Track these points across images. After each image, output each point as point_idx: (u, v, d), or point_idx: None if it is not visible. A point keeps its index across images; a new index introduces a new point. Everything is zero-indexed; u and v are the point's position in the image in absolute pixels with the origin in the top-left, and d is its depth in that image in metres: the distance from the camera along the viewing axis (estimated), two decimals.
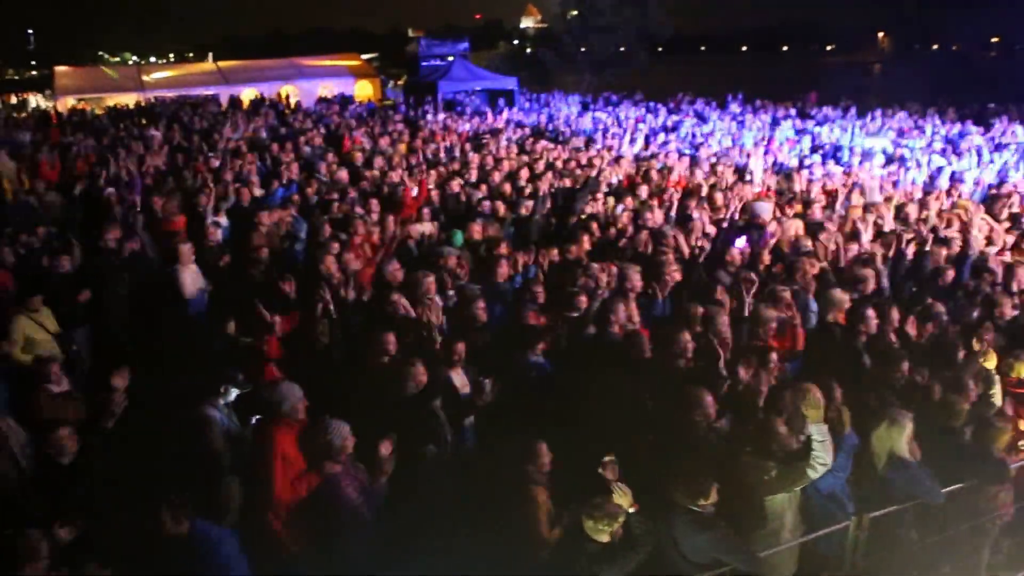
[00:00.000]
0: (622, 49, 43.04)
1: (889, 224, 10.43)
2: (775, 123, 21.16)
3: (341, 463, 5.17)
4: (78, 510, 4.81)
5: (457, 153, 16.65)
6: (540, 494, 5.12)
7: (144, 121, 21.99)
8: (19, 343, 7.55)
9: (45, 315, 7.88)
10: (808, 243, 9.26)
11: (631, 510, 4.73)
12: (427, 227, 10.31)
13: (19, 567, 4.05)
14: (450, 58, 32.73)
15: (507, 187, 12.57)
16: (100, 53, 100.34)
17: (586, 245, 9.43)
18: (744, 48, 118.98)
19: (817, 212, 11.09)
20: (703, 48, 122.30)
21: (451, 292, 8.00)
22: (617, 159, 15.56)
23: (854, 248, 9.38)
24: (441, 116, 23.90)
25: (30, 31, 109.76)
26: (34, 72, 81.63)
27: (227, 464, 5.91)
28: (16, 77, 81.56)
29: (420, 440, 5.91)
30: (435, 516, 5.73)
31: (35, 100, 36.91)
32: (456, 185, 12.65)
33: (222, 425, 6.00)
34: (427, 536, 5.52)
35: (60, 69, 34.08)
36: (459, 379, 6.49)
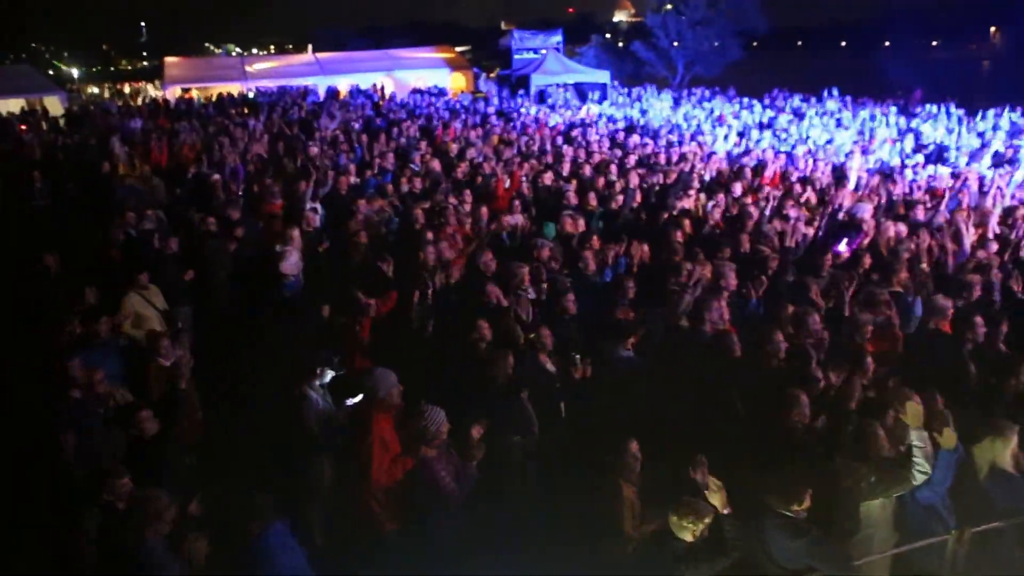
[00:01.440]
0: (716, 44, 42.21)
1: (996, 228, 9.98)
2: (875, 120, 20.42)
3: (436, 448, 5.28)
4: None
5: (549, 146, 16.66)
6: (627, 490, 5.12)
7: (247, 110, 22.68)
8: (130, 318, 7.98)
9: (154, 293, 8.30)
10: (909, 246, 8.94)
11: (724, 511, 4.68)
12: (518, 219, 10.36)
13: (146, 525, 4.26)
14: (543, 51, 32.70)
15: (599, 181, 12.52)
16: (206, 45, 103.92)
17: (679, 241, 9.33)
18: (843, 43, 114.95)
19: (920, 214, 10.69)
20: (800, 43, 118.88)
21: (543, 284, 8.04)
22: (710, 155, 15.32)
23: (959, 252, 9.02)
24: (534, 109, 23.95)
25: (142, 24, 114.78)
26: (145, 63, 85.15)
27: (321, 443, 6.11)
28: (129, 68, 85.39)
29: (508, 430, 5.99)
30: (521, 506, 5.82)
31: (150, 89, 38.47)
32: (548, 178, 12.67)
33: (317, 406, 6.20)
34: (514, 525, 5.60)
35: (169, 60, 35.31)
36: (548, 364, 6.53)
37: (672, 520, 4.56)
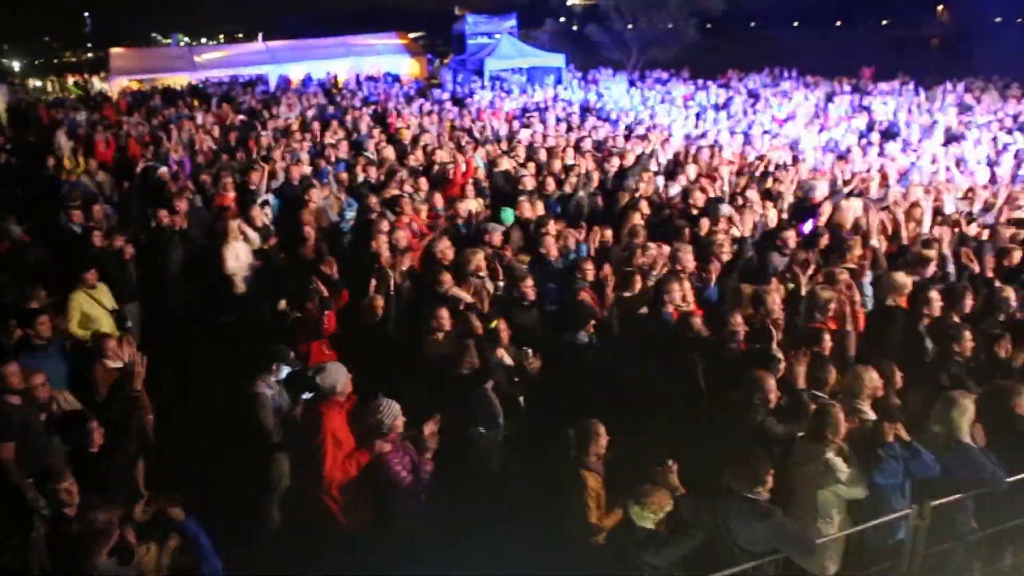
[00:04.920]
0: (670, 26, 42.27)
1: (951, 205, 10.07)
2: (829, 100, 20.59)
3: (391, 442, 5.18)
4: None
5: (504, 131, 16.52)
6: (592, 479, 5.06)
7: (196, 101, 22.20)
8: (76, 318, 7.73)
9: (101, 291, 8.05)
10: (864, 223, 8.98)
11: (678, 494, 4.64)
12: (472, 204, 10.23)
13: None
14: (497, 36, 32.45)
15: (555, 165, 12.42)
16: (153, 35, 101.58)
17: (638, 224, 9.26)
18: (796, 23, 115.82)
19: (874, 191, 10.75)
20: (753, 24, 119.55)
21: (499, 271, 7.95)
22: (666, 138, 15.28)
23: (914, 229, 9.09)
24: (489, 94, 23.76)
25: (86, 13, 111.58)
26: (90, 54, 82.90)
27: (277, 441, 5.99)
28: (74, 59, 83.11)
29: (472, 421, 5.90)
30: (487, 497, 5.74)
31: (95, 81, 37.58)
32: (504, 163, 12.54)
33: (273, 402, 6.07)
34: (479, 517, 5.52)
35: (115, 51, 34.54)
36: (506, 357, 6.46)
37: (634, 509, 4.52)
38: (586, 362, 6.72)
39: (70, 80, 39.90)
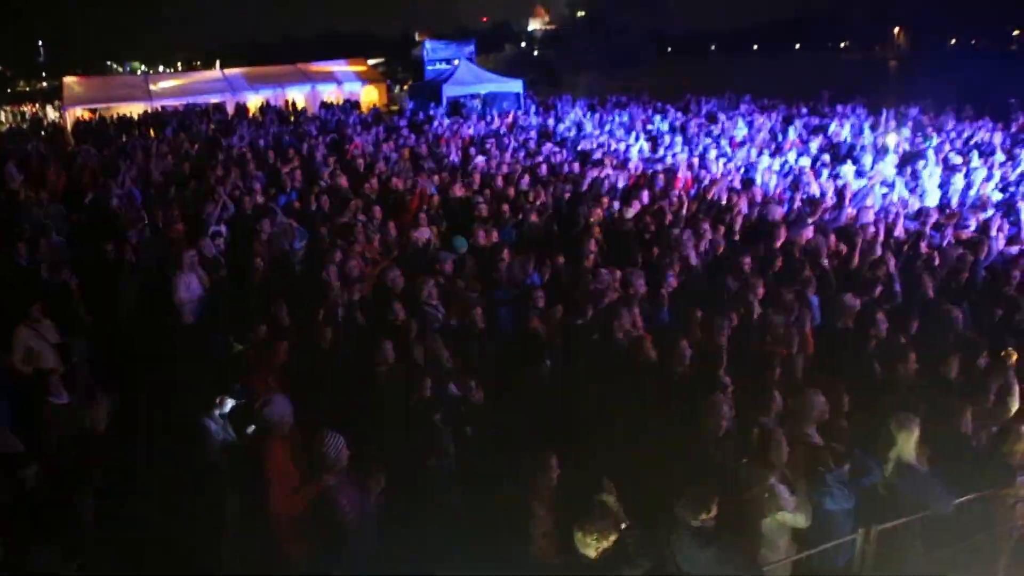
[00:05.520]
0: (629, 50, 42.88)
1: (902, 226, 10.22)
2: (787, 123, 20.91)
3: (337, 475, 5.08)
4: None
5: (459, 157, 16.54)
6: (538, 507, 4.99)
7: (151, 131, 21.98)
8: (20, 354, 7.52)
9: (46, 326, 7.84)
10: (818, 245, 9.07)
11: (623, 526, 4.58)
12: (425, 232, 10.17)
13: None
14: (456, 61, 32.65)
15: (511, 191, 12.43)
16: (108, 63, 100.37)
17: (592, 250, 9.27)
18: (756, 46, 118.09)
19: (825, 214, 10.88)
20: (714, 47, 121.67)
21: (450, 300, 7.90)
22: (624, 162, 15.39)
23: (867, 250, 9.19)
24: (446, 120, 23.82)
25: (39, 42, 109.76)
26: (44, 83, 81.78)
27: (224, 475, 5.87)
28: (27, 89, 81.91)
29: (422, 452, 5.82)
30: (438, 529, 5.65)
31: (49, 111, 37.07)
32: (458, 189, 12.53)
33: (218, 436, 5.99)
34: (429, 549, 5.43)
35: (68, 80, 34.10)
36: (452, 387, 6.40)
37: (577, 536, 4.46)
38: (538, 390, 6.66)
39: (24, 109, 39.20)
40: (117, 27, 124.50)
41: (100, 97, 31.55)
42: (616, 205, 11.80)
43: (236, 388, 6.28)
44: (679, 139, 18.92)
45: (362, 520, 5.18)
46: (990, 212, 10.68)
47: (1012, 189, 12.39)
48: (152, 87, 32.85)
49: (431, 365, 6.50)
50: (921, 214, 11.01)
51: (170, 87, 33.37)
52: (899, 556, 5.32)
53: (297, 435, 5.46)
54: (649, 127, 21.36)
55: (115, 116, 26.67)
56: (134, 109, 28.56)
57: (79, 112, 29.09)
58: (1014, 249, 9.42)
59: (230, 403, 6.18)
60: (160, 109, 27.59)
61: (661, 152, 17.28)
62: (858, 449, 5.30)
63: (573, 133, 20.90)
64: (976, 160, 14.07)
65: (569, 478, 5.23)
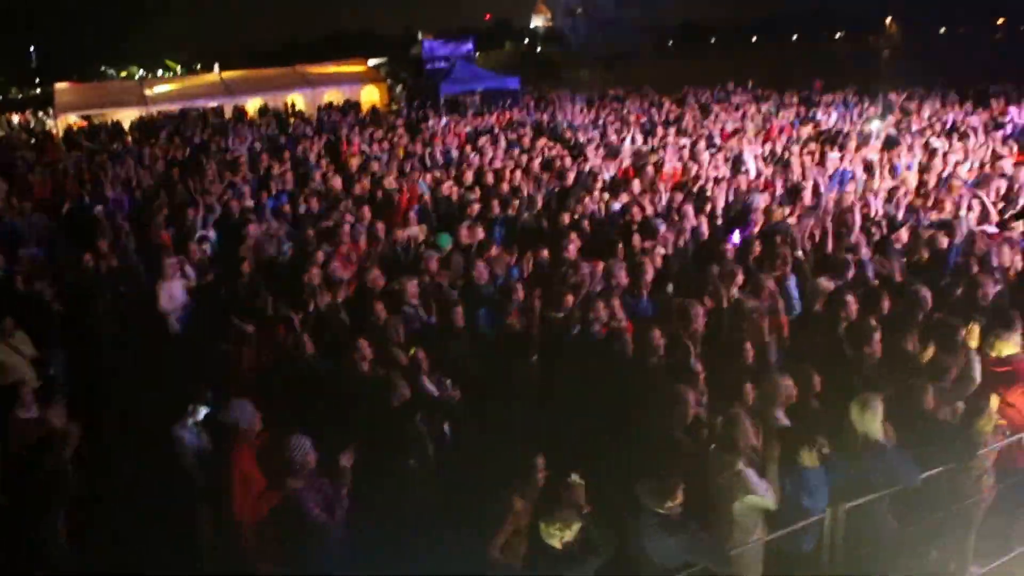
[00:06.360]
0: (627, 44, 42.85)
1: (877, 208, 10.28)
2: (778, 111, 20.98)
3: (303, 479, 5.01)
4: None
5: (456, 155, 16.62)
6: (519, 503, 5.02)
7: (144, 136, 22.01)
8: None
9: (19, 339, 7.83)
10: (792, 230, 9.15)
11: (584, 511, 4.64)
12: (413, 231, 10.24)
13: None
14: (454, 60, 32.79)
15: (502, 187, 12.50)
16: (104, 68, 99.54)
17: (576, 244, 9.34)
18: (754, 38, 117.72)
19: (807, 199, 10.95)
20: (712, 40, 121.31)
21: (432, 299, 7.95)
22: (614, 154, 15.45)
23: (845, 234, 9.25)
24: (444, 119, 23.91)
25: (32, 48, 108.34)
26: (37, 90, 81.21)
27: (199, 484, 5.88)
28: (20, 96, 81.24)
29: (402, 454, 5.84)
30: (413, 530, 5.68)
31: (45, 119, 36.97)
32: (447, 187, 12.60)
33: (192, 444, 5.96)
34: (405, 549, 5.47)
35: (60, 86, 33.92)
36: (428, 385, 6.44)
37: (541, 528, 4.52)
38: (521, 386, 6.70)
39: (15, 118, 38.85)
40: (114, 33, 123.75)
41: (93, 103, 31.18)
42: (605, 196, 11.88)
43: (209, 395, 6.20)
44: (672, 131, 18.96)
45: (332, 523, 5.09)
46: (962, 193, 10.72)
47: (986, 170, 12.44)
48: (147, 92, 32.67)
49: (410, 364, 6.55)
50: (896, 195, 11.06)
51: (165, 92, 33.23)
52: (871, 532, 5.40)
53: (265, 440, 5.42)
54: (644, 120, 21.42)
55: (108, 123, 26.57)
56: (129, 115, 28.44)
57: (72, 119, 28.86)
58: (988, 227, 9.50)
59: (203, 410, 6.10)
60: (156, 114, 27.51)
61: (653, 143, 17.36)
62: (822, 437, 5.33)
63: (568, 128, 20.95)
64: (955, 144, 14.18)
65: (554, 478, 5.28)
